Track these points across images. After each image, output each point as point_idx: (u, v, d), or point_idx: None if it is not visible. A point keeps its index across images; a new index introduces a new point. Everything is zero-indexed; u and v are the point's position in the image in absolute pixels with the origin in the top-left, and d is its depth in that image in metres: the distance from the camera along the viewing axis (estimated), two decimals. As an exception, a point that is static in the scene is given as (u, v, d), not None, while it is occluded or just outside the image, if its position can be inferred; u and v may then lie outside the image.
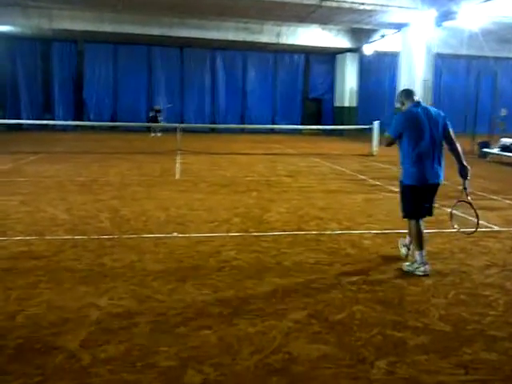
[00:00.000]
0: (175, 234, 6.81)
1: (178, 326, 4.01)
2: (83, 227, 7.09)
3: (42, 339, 3.74)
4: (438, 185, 5.50)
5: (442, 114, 5.52)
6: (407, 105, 5.56)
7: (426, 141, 5.34)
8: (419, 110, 5.44)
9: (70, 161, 15.03)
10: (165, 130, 27.09)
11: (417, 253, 5.49)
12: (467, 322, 4.21)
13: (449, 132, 5.47)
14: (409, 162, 5.47)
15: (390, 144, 5.82)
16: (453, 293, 4.84)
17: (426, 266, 5.40)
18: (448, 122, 5.50)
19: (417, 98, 5.58)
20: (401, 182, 5.69)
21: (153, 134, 27.07)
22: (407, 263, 5.60)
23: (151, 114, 28.67)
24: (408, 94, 5.63)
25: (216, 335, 3.86)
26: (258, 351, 3.63)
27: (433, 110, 5.53)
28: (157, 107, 29.30)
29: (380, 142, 5.43)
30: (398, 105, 5.72)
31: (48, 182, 10.97)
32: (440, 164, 5.46)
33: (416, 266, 5.44)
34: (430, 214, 5.63)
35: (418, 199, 5.50)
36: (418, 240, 5.52)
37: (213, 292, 4.73)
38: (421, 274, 5.35)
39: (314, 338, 3.85)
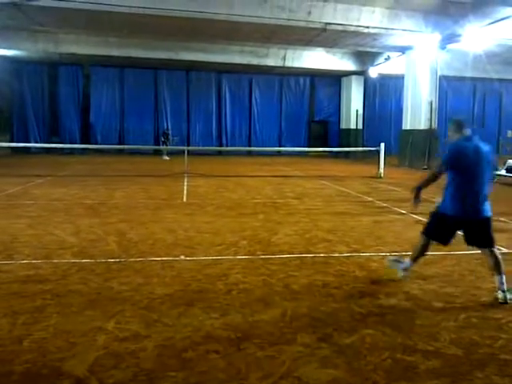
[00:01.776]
0: (182, 257, 6.79)
1: (185, 350, 3.97)
2: (90, 250, 7.08)
3: (49, 364, 3.71)
4: (483, 220, 5.35)
5: (490, 150, 5.37)
6: (457, 137, 5.36)
7: (473, 178, 5.21)
8: (469, 145, 5.24)
9: (77, 184, 15.08)
10: (172, 153, 27.24)
11: (407, 260, 5.84)
12: (479, 345, 4.15)
13: (492, 170, 5.51)
14: (455, 194, 5.30)
15: (434, 178, 5.45)
16: (463, 316, 4.79)
17: (407, 274, 5.82)
18: (494, 159, 5.44)
19: (468, 131, 5.35)
20: (438, 207, 5.53)
21: (165, 157, 27.26)
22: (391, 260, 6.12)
23: (162, 139, 28.83)
24: (459, 125, 5.38)
25: (224, 360, 3.82)
26: (267, 376, 3.58)
27: (483, 145, 5.32)
28: (166, 131, 29.53)
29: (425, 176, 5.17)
30: (449, 133, 5.49)
31: (55, 205, 10.98)
32: (484, 200, 5.32)
33: (400, 267, 5.86)
34: (484, 245, 5.44)
35: (445, 227, 5.46)
36: (418, 252, 5.75)
37: (221, 316, 4.69)
38: (399, 274, 5.83)
39: (323, 363, 3.80)
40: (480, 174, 5.23)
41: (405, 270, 5.81)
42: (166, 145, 27.96)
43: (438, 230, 5.53)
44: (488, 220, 5.39)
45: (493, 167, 5.46)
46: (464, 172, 5.23)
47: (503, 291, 5.23)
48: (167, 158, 27.24)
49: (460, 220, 5.32)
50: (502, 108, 23.97)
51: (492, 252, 5.37)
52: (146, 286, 5.51)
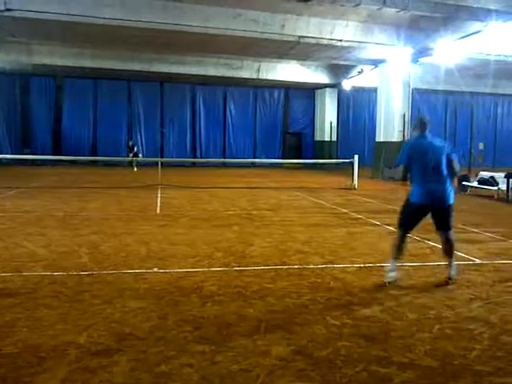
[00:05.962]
0: (156, 270, 6.71)
1: (159, 364, 3.91)
2: (62, 263, 6.95)
3: (19, 379, 3.61)
4: (443, 207, 6.19)
5: (447, 146, 6.31)
6: (416, 133, 6.37)
7: (427, 169, 6.10)
8: (423, 140, 6.26)
9: (48, 195, 14.88)
10: (143, 165, 27.12)
11: (391, 260, 6.32)
12: (453, 356, 4.16)
13: (451, 161, 6.19)
14: (415, 183, 6.23)
15: (405, 175, 6.34)
16: (438, 327, 4.80)
17: (395, 274, 6.24)
18: (452, 154, 6.24)
19: (427, 131, 6.30)
20: (407, 199, 6.33)
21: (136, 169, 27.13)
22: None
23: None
24: (422, 124, 6.33)
25: (198, 374, 3.77)
26: (242, 390, 3.54)
27: (438, 141, 6.33)
28: (130, 143, 29.28)
29: (395, 176, 6.66)
30: (412, 129, 6.58)
31: (26, 217, 10.81)
32: (444, 189, 6.13)
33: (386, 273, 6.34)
34: (445, 228, 6.31)
35: (414, 214, 6.25)
36: (398, 248, 6.31)
37: (195, 329, 4.63)
38: (389, 280, 6.20)
39: (298, 376, 3.77)
40: (431, 165, 6.09)
41: (391, 271, 6.25)
42: (133, 156, 27.76)
43: (408, 218, 6.31)
44: (448, 207, 6.21)
45: (449, 159, 6.18)
46: (417, 164, 6.16)
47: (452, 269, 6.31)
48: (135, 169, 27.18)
49: (425, 206, 6.16)
50: (474, 121, 24.33)
51: (449, 234, 6.29)
52: (119, 299, 5.43)
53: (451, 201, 6.19)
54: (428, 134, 6.32)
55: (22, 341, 4.28)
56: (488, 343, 4.44)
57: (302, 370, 3.85)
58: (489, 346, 4.37)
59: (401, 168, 6.40)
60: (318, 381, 3.69)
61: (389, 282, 6.18)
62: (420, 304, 5.47)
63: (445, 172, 6.15)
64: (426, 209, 6.20)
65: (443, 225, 6.30)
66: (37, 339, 4.32)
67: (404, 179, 6.39)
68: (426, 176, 6.12)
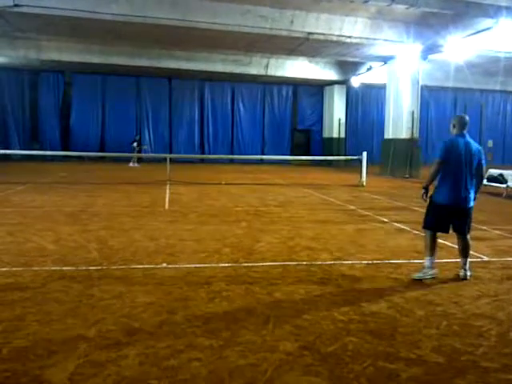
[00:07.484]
0: (164, 265, 6.74)
1: (167, 358, 3.94)
2: (71, 258, 7.00)
3: (29, 372, 3.65)
4: (464, 209, 6.25)
5: (481, 151, 6.34)
6: (454, 132, 6.32)
7: (459, 168, 6.13)
8: (460, 139, 6.22)
9: (57, 191, 14.95)
10: (154, 161, 27.11)
11: (427, 259, 6.36)
12: (460, 353, 4.17)
13: (480, 167, 6.29)
14: (443, 183, 6.23)
15: (438, 170, 6.26)
16: (445, 323, 4.80)
17: (435, 270, 6.34)
18: (483, 160, 6.33)
19: (465, 130, 6.29)
20: (431, 197, 6.38)
21: (131, 164, 27.11)
22: (416, 274, 6.38)
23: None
24: (460, 123, 6.30)
25: (206, 368, 3.79)
26: (250, 384, 3.56)
27: (474, 143, 6.32)
28: (136, 138, 29.22)
29: (428, 171, 6.56)
30: (451, 127, 6.42)
31: (36, 212, 10.87)
32: (469, 191, 6.22)
33: (425, 270, 6.32)
34: (462, 232, 6.35)
35: (440, 216, 6.28)
36: (429, 247, 6.34)
37: (203, 324, 4.66)
38: (429, 277, 6.25)
39: (306, 371, 3.79)
40: (464, 166, 6.13)
41: (432, 268, 6.34)
42: (137, 152, 27.74)
43: (437, 219, 6.33)
44: (469, 210, 6.30)
45: (481, 164, 6.27)
46: (451, 164, 6.14)
47: (465, 270, 6.35)
48: (137, 165, 27.21)
49: (449, 207, 6.21)
50: (483, 118, 24.19)
51: (465, 238, 6.35)
52: (128, 294, 5.46)
53: (471, 203, 6.29)
54: (466, 134, 6.30)
55: (32, 334, 4.32)
56: (495, 340, 4.44)
57: (310, 365, 3.87)
58: (496, 343, 4.38)
59: (435, 165, 6.27)
60: (326, 376, 3.71)
61: (430, 278, 6.28)
62: (427, 300, 5.47)
63: (474, 175, 6.24)
64: (449, 209, 6.23)
65: (460, 228, 6.33)
66: (46, 333, 4.36)
67: (434, 177, 6.33)
68: (456, 176, 6.15)
